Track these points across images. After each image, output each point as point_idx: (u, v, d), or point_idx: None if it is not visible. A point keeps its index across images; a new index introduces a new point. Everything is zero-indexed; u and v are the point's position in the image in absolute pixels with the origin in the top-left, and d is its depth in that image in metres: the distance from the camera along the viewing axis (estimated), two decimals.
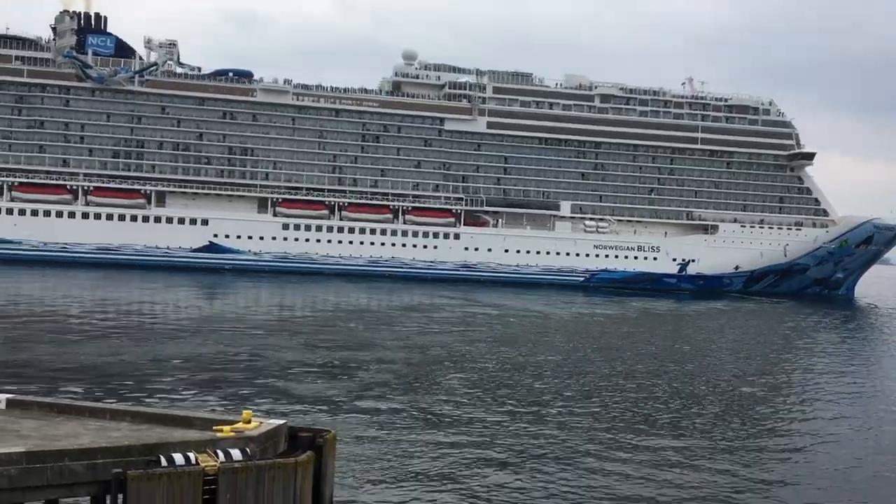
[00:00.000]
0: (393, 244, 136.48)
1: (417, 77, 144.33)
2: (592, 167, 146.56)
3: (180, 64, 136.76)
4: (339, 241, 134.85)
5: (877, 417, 45.97)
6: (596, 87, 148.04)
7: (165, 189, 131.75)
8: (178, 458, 20.33)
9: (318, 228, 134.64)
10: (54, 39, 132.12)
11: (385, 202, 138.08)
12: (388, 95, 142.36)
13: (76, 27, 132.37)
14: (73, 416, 23.65)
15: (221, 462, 20.53)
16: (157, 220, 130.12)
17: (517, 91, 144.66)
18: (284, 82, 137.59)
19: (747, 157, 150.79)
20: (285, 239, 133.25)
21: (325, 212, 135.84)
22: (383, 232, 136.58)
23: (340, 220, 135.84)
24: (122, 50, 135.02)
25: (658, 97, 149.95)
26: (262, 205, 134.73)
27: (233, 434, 21.74)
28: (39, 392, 35.67)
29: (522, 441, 35.59)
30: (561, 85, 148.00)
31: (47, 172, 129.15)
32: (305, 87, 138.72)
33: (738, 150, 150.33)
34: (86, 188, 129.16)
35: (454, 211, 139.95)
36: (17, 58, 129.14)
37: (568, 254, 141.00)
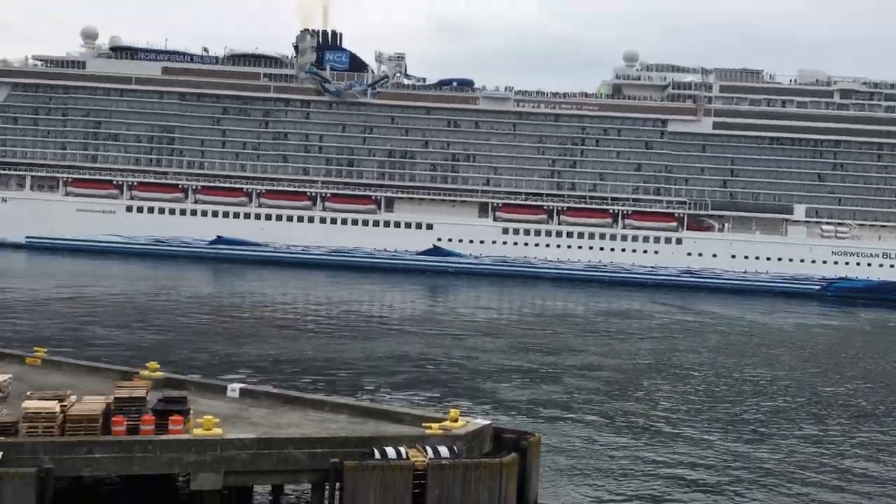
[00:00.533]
0: (612, 249, 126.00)
1: (639, 78, 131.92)
2: (830, 168, 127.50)
3: (407, 76, 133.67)
4: (558, 246, 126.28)
5: None
6: (835, 83, 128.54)
7: (394, 195, 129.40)
8: (391, 451, 20.24)
9: (537, 233, 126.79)
10: (296, 57, 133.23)
11: (604, 206, 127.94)
12: (607, 98, 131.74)
13: (316, 44, 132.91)
14: (297, 406, 24.20)
15: (430, 458, 20.23)
16: (387, 224, 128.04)
17: (746, 89, 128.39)
18: (506, 90, 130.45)
19: None
20: (504, 243, 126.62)
21: (544, 216, 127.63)
22: (602, 237, 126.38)
23: (559, 224, 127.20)
24: (355, 64, 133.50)
25: None
26: (483, 210, 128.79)
27: (441, 432, 21.49)
28: (268, 382, 35.08)
29: (734, 462, 31.83)
30: (795, 81, 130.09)
31: (290, 181, 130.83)
32: (525, 93, 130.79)
33: None
34: (323, 195, 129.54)
35: (676, 215, 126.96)
36: (264, 75, 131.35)
37: (802, 260, 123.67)
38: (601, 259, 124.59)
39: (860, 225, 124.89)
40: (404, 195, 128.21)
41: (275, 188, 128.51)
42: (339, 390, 37.96)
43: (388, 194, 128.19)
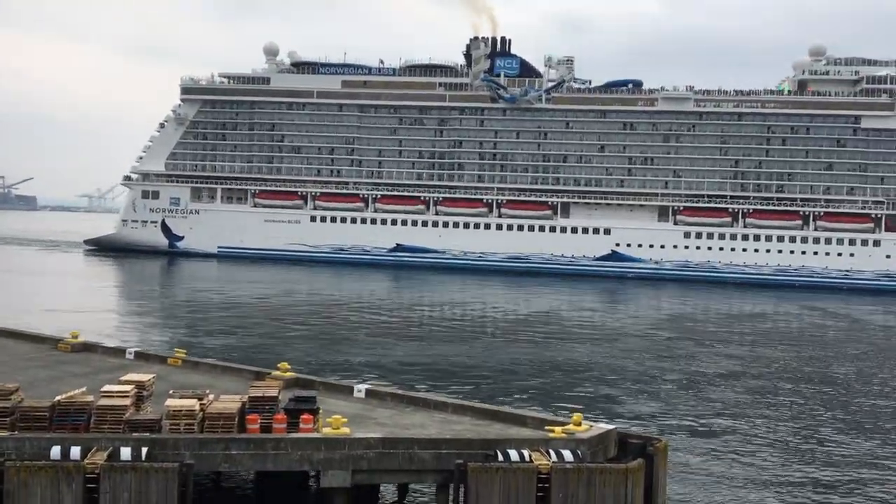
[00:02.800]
0: (803, 252, 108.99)
1: (827, 73, 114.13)
2: None
3: (575, 79, 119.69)
4: (744, 249, 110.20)
5: None
6: None
7: (570, 200, 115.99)
8: (514, 454, 18.92)
9: (721, 236, 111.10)
10: (467, 65, 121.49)
11: (793, 208, 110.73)
12: (792, 95, 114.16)
13: (489, 53, 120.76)
14: (421, 407, 23.02)
15: (554, 462, 18.77)
16: (563, 230, 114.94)
17: None
18: (686, 89, 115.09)
19: None
20: (686, 247, 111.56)
21: (728, 219, 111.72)
22: (792, 239, 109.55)
23: (745, 227, 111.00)
24: (526, 70, 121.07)
25: None
26: (663, 213, 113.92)
27: (564, 435, 20.07)
28: (393, 384, 32.62)
29: (871, 478, 26.23)
30: None
31: (466, 188, 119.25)
32: (707, 92, 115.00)
33: None
34: (499, 201, 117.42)
35: (873, 215, 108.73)
36: (439, 84, 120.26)
37: None
38: (791, 262, 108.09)
39: None
40: (581, 200, 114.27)
41: (452, 195, 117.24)
42: (476, 394, 34.39)
43: (565, 199, 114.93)
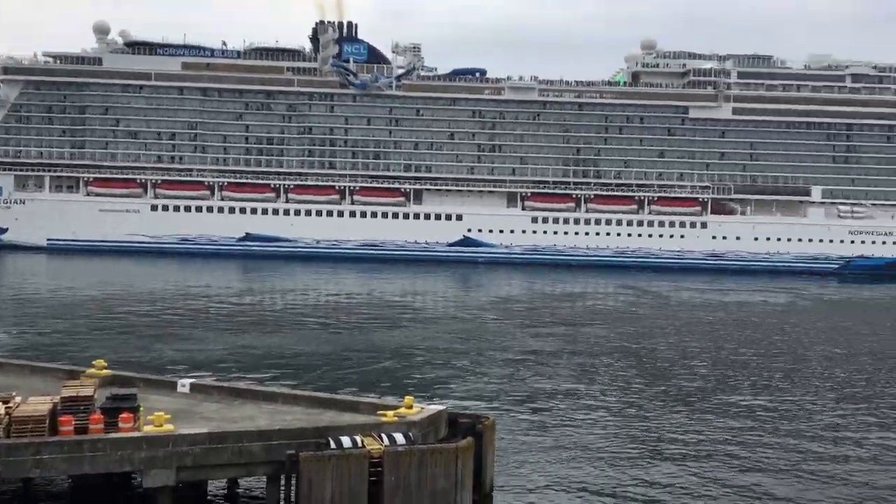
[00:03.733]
0: (639, 235, 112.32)
1: (657, 66, 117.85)
2: (844, 150, 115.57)
3: (424, 67, 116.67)
4: (587, 233, 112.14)
5: None
6: (846, 67, 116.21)
7: (422, 187, 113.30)
8: (346, 441, 18.25)
9: (566, 221, 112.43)
10: (315, 50, 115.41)
11: (630, 193, 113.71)
12: (626, 86, 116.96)
13: (337, 37, 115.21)
14: (250, 399, 21.71)
15: (386, 446, 18.32)
16: (416, 216, 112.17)
17: (763, 75, 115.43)
18: (531, 79, 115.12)
19: None
20: (534, 232, 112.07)
21: (572, 204, 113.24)
22: (629, 223, 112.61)
23: (586, 212, 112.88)
24: (373, 56, 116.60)
25: None
26: (512, 199, 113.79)
27: (396, 419, 19.46)
28: (220, 377, 30.79)
29: (689, 436, 27.21)
30: (808, 66, 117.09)
31: (317, 175, 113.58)
32: (550, 82, 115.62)
33: None
34: (351, 189, 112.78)
35: (700, 200, 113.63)
36: (287, 69, 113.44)
37: (821, 240, 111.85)
38: (629, 245, 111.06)
39: (874, 205, 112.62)
40: (433, 187, 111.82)
41: (303, 183, 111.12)
42: (307, 382, 32.91)
43: (417, 186, 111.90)
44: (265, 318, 55.72)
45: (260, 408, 21.25)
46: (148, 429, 18.75)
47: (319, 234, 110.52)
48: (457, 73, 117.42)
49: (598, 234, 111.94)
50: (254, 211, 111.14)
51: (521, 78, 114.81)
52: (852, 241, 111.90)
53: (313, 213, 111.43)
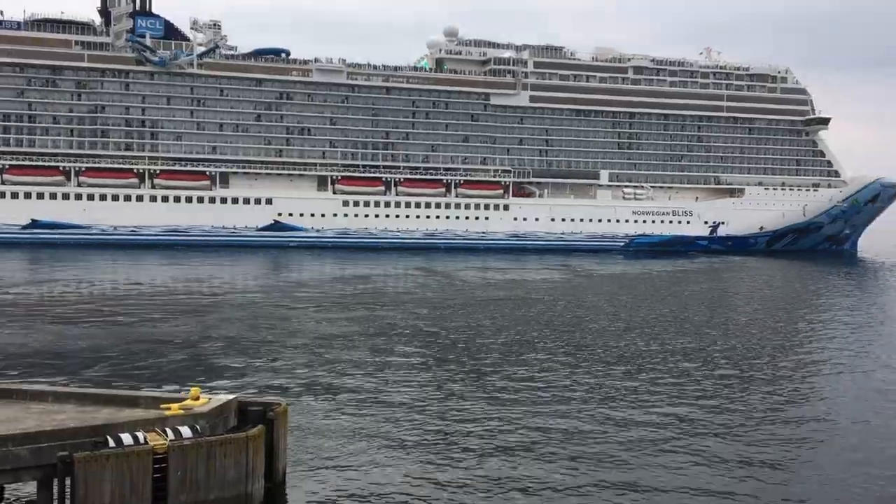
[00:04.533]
0: (447, 217, 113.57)
1: (460, 53, 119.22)
2: (627, 137, 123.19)
3: (225, 45, 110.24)
4: (397, 216, 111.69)
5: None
6: (629, 60, 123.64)
7: (229, 170, 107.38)
8: (127, 438, 16.97)
9: (377, 204, 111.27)
10: (106, 23, 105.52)
11: (438, 177, 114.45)
12: (430, 72, 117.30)
13: (132, 11, 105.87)
14: (14, 399, 19.77)
15: (171, 440, 17.17)
16: (224, 200, 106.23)
17: (556, 65, 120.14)
18: (339, 61, 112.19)
19: (767, 123, 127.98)
20: (346, 215, 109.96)
21: (382, 188, 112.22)
22: (437, 205, 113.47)
23: (396, 195, 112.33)
24: (171, 31, 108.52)
25: (685, 68, 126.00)
26: (322, 183, 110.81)
27: (181, 411, 18.32)
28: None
29: (491, 415, 27.47)
30: (596, 58, 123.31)
31: (112, 157, 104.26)
32: (358, 65, 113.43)
33: (759, 117, 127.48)
34: (151, 171, 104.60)
35: (502, 183, 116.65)
36: (76, 42, 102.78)
37: (609, 220, 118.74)
38: (437, 227, 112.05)
39: (653, 187, 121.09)
40: (240, 170, 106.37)
41: (96, 165, 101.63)
42: (86, 380, 30.07)
43: (223, 169, 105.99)
44: (43, 311, 50.25)
45: (27, 408, 19.17)
46: None
47: (116, 219, 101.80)
48: (259, 53, 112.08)
49: (407, 216, 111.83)
50: (40, 196, 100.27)
51: (329, 60, 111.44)
52: (635, 221, 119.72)
53: (109, 197, 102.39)
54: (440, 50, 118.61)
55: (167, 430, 17.71)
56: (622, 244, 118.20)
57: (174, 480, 17.19)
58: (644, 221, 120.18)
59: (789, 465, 23.82)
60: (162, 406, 19.03)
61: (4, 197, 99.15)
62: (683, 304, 60.67)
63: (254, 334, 42.13)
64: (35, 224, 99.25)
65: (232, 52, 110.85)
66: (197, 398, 19.23)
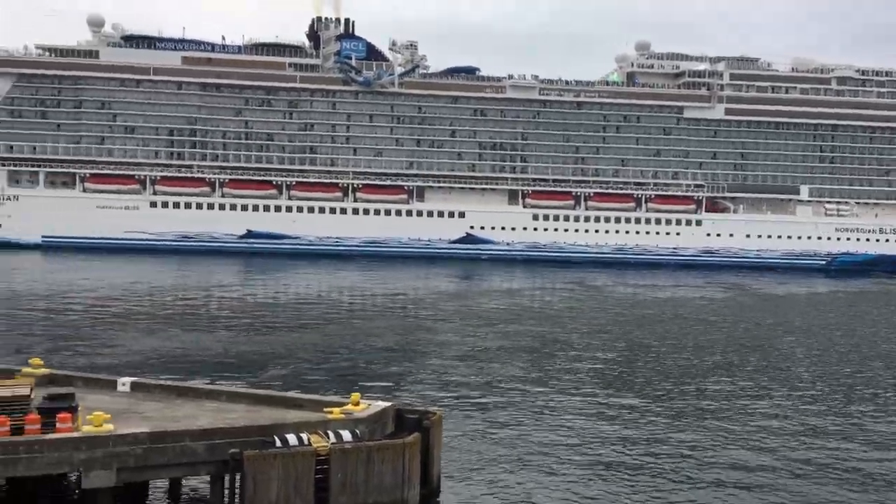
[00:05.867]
0: (637, 232, 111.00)
1: (652, 67, 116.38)
2: (829, 150, 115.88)
3: (425, 65, 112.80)
4: (586, 231, 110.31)
5: None
6: (832, 70, 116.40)
7: (425, 184, 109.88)
8: (292, 438, 17.46)
9: (566, 218, 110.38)
10: (312, 45, 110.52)
11: (627, 191, 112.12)
12: (620, 86, 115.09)
13: (339, 34, 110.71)
14: (192, 398, 20.73)
15: (332, 443, 17.63)
16: (419, 213, 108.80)
17: (753, 77, 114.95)
18: (531, 77, 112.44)
19: None
20: (535, 229, 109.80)
21: (571, 202, 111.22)
22: (627, 220, 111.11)
23: (586, 209, 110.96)
24: (372, 53, 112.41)
25: (892, 78, 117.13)
26: (513, 197, 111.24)
27: (342, 416, 18.72)
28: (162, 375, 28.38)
29: (634, 431, 25.91)
30: (795, 70, 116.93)
31: (318, 172, 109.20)
32: (550, 81, 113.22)
33: None
34: (354, 185, 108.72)
35: (695, 198, 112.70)
36: (289, 65, 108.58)
37: (809, 237, 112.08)
38: (627, 242, 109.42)
39: (858, 203, 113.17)
40: (435, 184, 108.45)
41: (305, 180, 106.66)
42: (264, 381, 31.30)
43: (419, 184, 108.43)
44: (246, 316, 53.01)
45: (202, 406, 20.08)
46: (87, 429, 17.53)
47: (322, 231, 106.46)
48: (452, 71, 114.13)
49: (597, 231, 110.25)
50: (255, 208, 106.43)
51: (522, 77, 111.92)
52: (838, 238, 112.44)
53: (316, 210, 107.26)
54: (631, 63, 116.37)
55: (329, 433, 17.96)
56: (823, 262, 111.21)
57: (335, 482, 17.40)
58: (848, 239, 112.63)
59: None
60: (324, 410, 19.23)
61: (224, 209, 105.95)
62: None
63: (433, 343, 42.80)
64: (250, 234, 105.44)
65: (426, 71, 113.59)
66: (357, 403, 19.38)
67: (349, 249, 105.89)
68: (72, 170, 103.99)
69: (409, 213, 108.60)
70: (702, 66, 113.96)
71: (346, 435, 18.16)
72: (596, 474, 23.00)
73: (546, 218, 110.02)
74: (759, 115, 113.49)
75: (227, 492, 17.58)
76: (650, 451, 25.27)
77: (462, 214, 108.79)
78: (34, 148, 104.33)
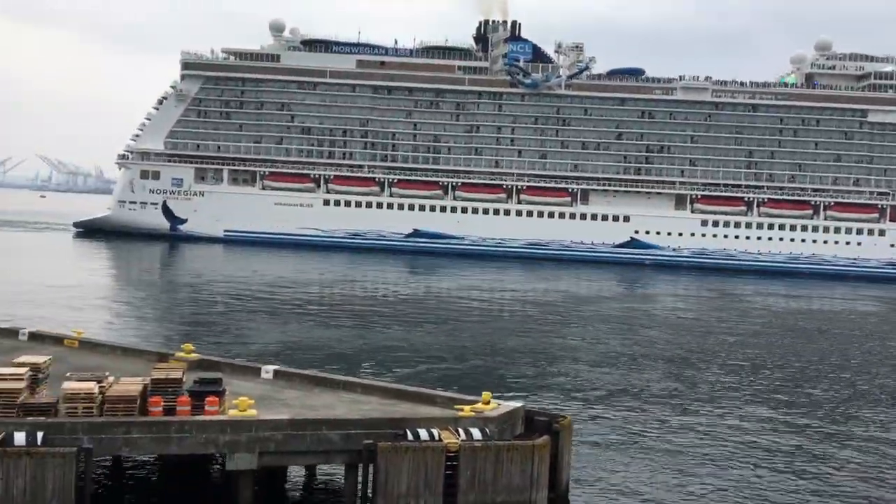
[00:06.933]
0: (814, 241, 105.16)
1: (833, 68, 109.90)
2: None
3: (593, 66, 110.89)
4: (758, 238, 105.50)
5: None
6: None
7: (589, 187, 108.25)
8: (423, 433, 17.76)
9: (737, 225, 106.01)
10: (481, 48, 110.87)
11: (804, 198, 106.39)
12: (797, 88, 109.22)
13: (507, 37, 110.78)
14: (329, 388, 21.31)
15: (462, 440, 17.75)
16: (583, 216, 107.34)
17: None
18: (705, 79, 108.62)
19: None
20: (703, 235, 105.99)
21: (743, 208, 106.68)
22: (803, 228, 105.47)
23: (758, 216, 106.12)
24: (538, 55, 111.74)
25: None
26: (680, 201, 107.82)
27: (472, 414, 18.91)
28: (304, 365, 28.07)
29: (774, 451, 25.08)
30: None
31: (483, 173, 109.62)
32: (723, 83, 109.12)
33: None
34: (518, 187, 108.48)
35: (879, 206, 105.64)
36: (458, 67, 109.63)
37: None
38: (802, 251, 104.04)
39: None
40: (599, 187, 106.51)
41: (470, 181, 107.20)
42: (407, 376, 31.42)
43: (584, 186, 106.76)
44: (398, 311, 53.43)
45: (339, 396, 20.47)
46: (232, 413, 18.09)
47: (486, 232, 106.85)
48: (617, 73, 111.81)
49: (770, 238, 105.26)
50: (422, 208, 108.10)
51: (695, 78, 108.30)
52: None
53: (480, 211, 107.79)
54: (810, 64, 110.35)
55: (459, 430, 18.05)
56: None
57: (464, 479, 17.50)
58: None
59: None
60: (455, 406, 19.35)
61: (392, 208, 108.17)
62: None
63: (576, 347, 42.33)
64: (416, 233, 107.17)
65: (591, 73, 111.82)
66: (488, 402, 19.38)
67: (511, 251, 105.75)
68: (252, 168, 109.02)
69: (572, 216, 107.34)
70: (889, 68, 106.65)
71: (476, 433, 18.17)
72: (729, 484, 22.59)
73: (715, 224, 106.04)
74: None
75: (360, 481, 17.91)
76: (783, 464, 24.80)
77: (626, 218, 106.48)
78: (218, 147, 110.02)
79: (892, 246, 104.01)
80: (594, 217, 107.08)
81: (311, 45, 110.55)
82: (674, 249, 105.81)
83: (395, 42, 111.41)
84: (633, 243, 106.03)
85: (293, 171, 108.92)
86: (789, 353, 45.02)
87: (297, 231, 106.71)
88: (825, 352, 46.48)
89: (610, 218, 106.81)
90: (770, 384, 36.08)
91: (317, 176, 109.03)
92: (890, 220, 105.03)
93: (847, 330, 56.78)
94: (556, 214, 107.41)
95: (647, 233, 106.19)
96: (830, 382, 37.45)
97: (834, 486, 23.34)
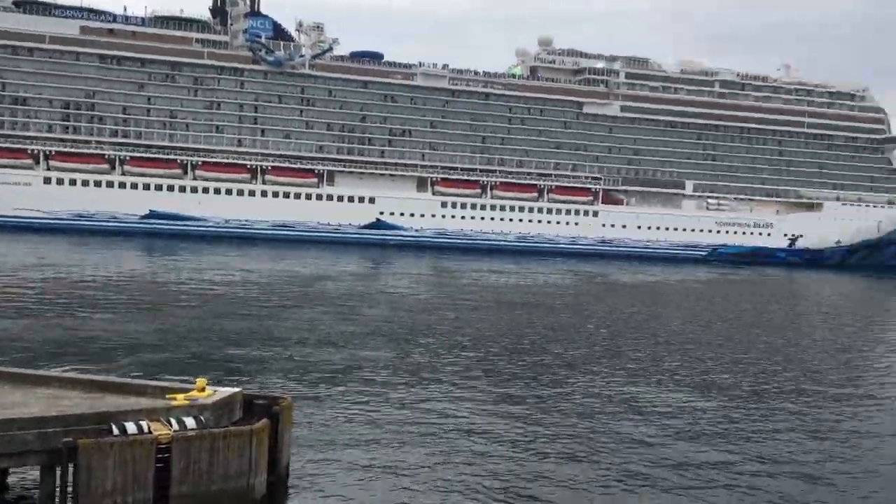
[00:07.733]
0: (539, 221, 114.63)
1: (553, 62, 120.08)
2: (712, 149, 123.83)
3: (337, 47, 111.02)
4: (492, 219, 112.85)
5: None
6: (716, 74, 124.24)
7: (335, 169, 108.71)
8: (131, 426, 16.88)
9: (473, 206, 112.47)
10: (219, 23, 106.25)
11: (530, 181, 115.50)
12: (524, 80, 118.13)
13: (248, 12, 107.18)
14: (20, 384, 19.50)
15: (175, 430, 17.16)
16: (329, 198, 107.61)
17: (647, 76, 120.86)
18: (442, 67, 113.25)
19: (844, 140, 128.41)
20: (443, 216, 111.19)
21: (478, 191, 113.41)
22: (530, 210, 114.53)
23: (492, 198, 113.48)
24: (279, 32, 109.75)
25: (769, 84, 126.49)
26: (422, 184, 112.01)
27: (186, 402, 18.14)
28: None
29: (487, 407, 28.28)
30: (684, 71, 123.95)
31: (226, 152, 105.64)
32: (460, 71, 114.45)
33: (838, 134, 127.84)
34: (263, 168, 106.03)
35: (593, 190, 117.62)
36: (196, 40, 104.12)
37: (693, 230, 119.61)
38: (529, 231, 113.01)
39: (736, 199, 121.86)
40: (345, 169, 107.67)
41: (212, 160, 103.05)
42: (111, 368, 29.32)
43: (330, 167, 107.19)
44: (111, 299, 49.39)
45: (34, 393, 18.98)
46: None
47: (229, 213, 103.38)
48: (356, 56, 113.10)
49: (502, 219, 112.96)
50: (159, 187, 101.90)
51: (433, 65, 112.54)
52: (718, 231, 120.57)
53: (223, 191, 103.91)
54: (534, 58, 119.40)
55: (171, 420, 17.53)
56: (705, 253, 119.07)
57: (177, 471, 17.12)
58: (727, 232, 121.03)
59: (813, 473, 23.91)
60: (168, 396, 18.71)
61: (125, 187, 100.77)
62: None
63: (288, 329, 41.36)
64: (153, 214, 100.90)
65: (334, 54, 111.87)
66: (203, 389, 18.88)
67: (256, 233, 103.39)
68: None
69: (318, 197, 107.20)
70: (600, 65, 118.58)
71: (191, 422, 17.60)
72: (448, 461, 23.05)
73: (454, 206, 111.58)
74: (651, 112, 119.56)
75: (58, 482, 16.84)
76: (500, 437, 25.64)
77: (372, 200, 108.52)
78: None
79: (604, 226, 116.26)
80: (340, 198, 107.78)
81: (27, 6, 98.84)
82: (416, 230, 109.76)
83: (125, 9, 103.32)
84: (378, 224, 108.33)
85: (6, 145, 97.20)
86: (504, 326, 47.14)
87: (12, 213, 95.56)
88: (526, 323, 49.16)
89: (356, 199, 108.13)
90: (486, 357, 37.35)
91: (35, 151, 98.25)
92: (602, 203, 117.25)
93: (547, 301, 61.00)
94: (303, 195, 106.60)
95: (392, 214, 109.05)
96: (535, 353, 39.54)
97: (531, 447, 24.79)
